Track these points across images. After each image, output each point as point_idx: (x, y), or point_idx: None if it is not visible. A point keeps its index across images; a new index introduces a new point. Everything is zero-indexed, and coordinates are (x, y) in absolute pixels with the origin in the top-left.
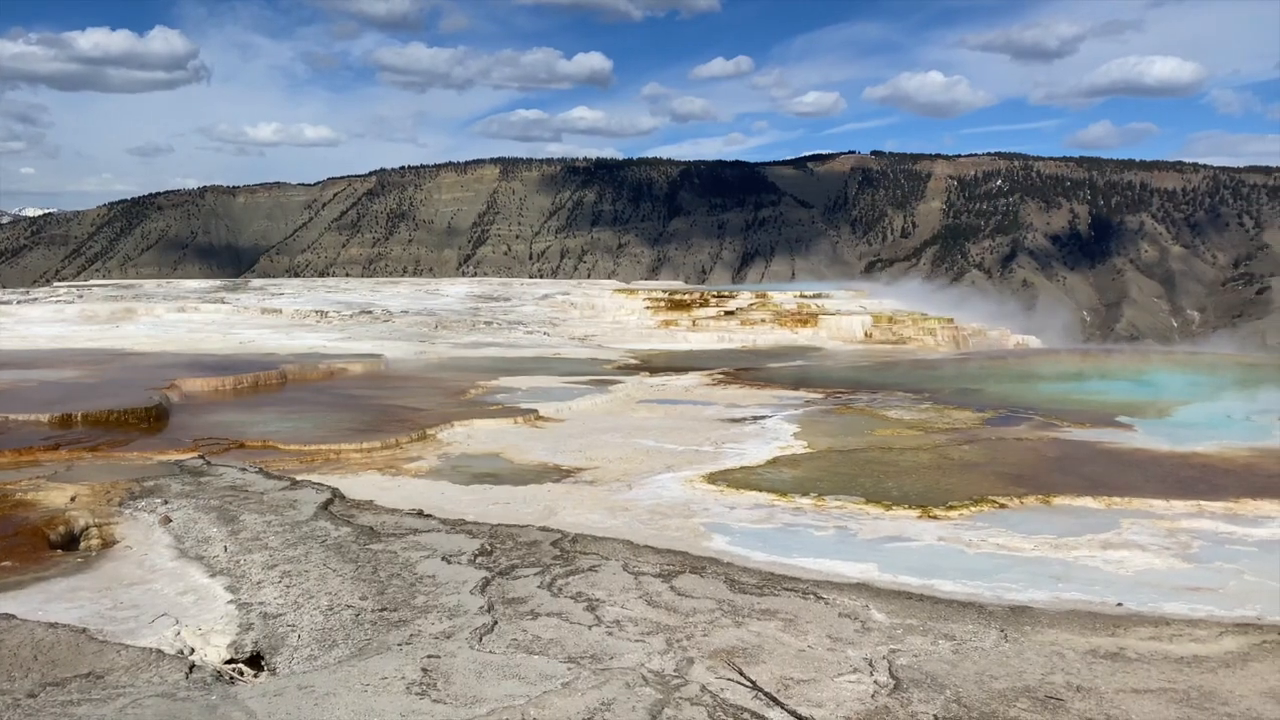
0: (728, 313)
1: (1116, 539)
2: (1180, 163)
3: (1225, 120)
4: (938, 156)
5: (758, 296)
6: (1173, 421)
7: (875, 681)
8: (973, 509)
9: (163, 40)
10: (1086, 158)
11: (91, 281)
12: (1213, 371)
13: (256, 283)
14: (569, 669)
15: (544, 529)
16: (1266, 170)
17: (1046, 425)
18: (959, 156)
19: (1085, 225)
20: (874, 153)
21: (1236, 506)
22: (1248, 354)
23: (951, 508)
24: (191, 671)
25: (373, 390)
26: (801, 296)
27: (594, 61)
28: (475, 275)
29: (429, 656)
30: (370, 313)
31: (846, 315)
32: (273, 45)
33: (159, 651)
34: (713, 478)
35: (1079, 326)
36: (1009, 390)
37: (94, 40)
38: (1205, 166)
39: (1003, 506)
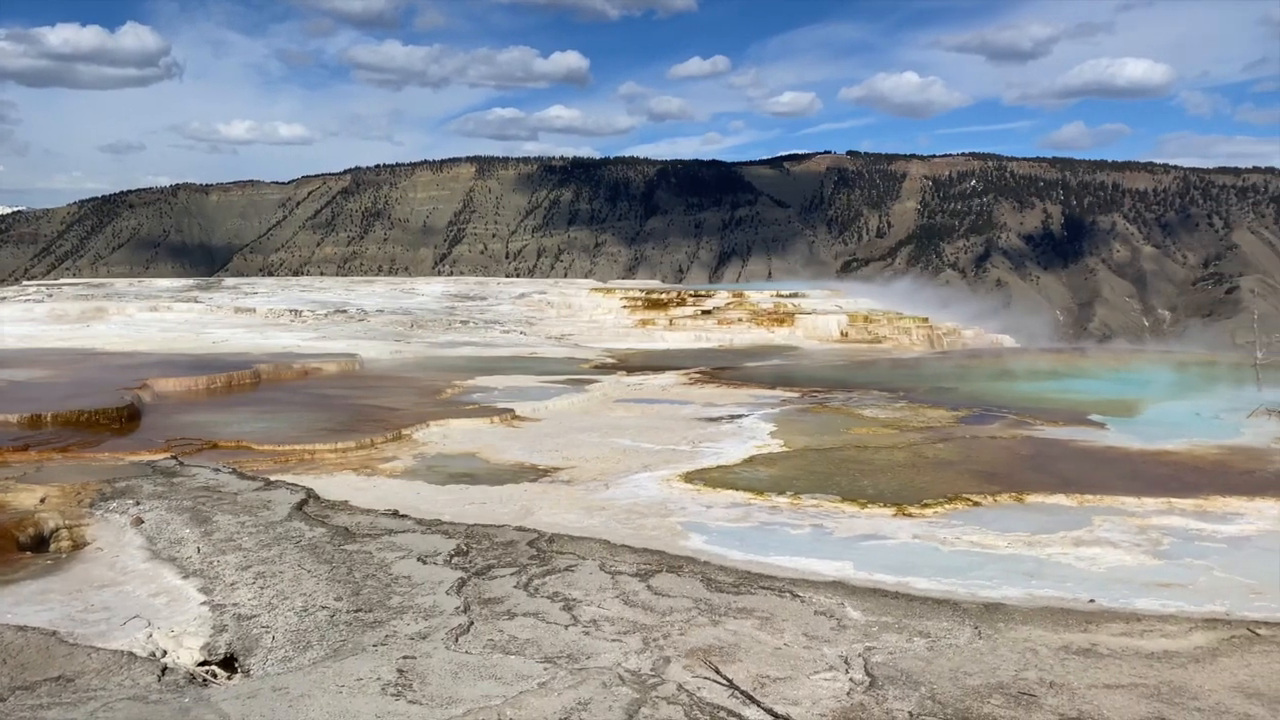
0: (705, 312)
1: (1088, 536)
2: (1151, 164)
3: (1195, 122)
4: (913, 157)
5: (734, 296)
6: (1144, 420)
7: (851, 679)
8: (947, 507)
9: (134, 36)
10: (1059, 158)
11: (62, 280)
12: (1183, 370)
13: (230, 282)
14: (545, 669)
15: (520, 529)
16: (1235, 171)
17: (1020, 424)
18: (934, 157)
19: (1058, 225)
20: (850, 153)
21: (1206, 503)
22: (1217, 352)
23: (926, 506)
24: (164, 674)
25: (347, 390)
26: (778, 296)
27: (570, 60)
28: (451, 274)
29: (404, 657)
30: (345, 312)
31: (823, 314)
32: (246, 42)
33: (130, 654)
34: (689, 477)
35: (1052, 325)
36: (983, 389)
37: (64, 36)
38: (1175, 167)
39: (977, 504)
